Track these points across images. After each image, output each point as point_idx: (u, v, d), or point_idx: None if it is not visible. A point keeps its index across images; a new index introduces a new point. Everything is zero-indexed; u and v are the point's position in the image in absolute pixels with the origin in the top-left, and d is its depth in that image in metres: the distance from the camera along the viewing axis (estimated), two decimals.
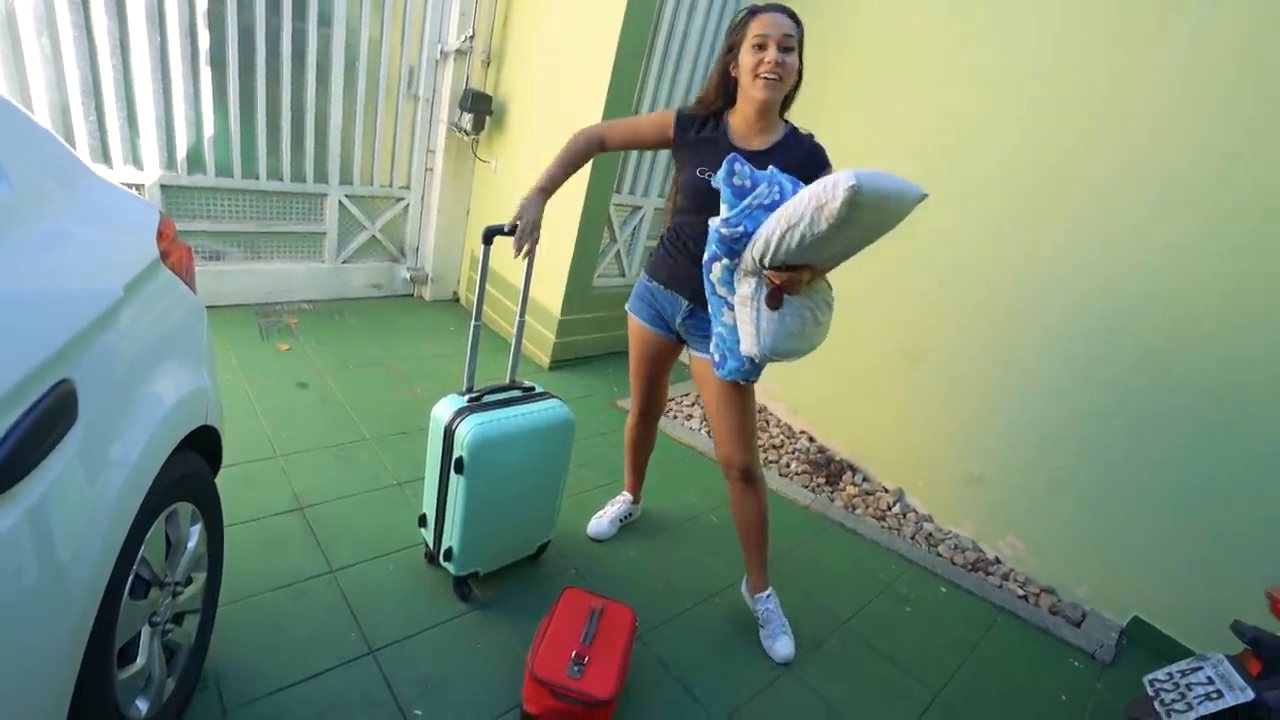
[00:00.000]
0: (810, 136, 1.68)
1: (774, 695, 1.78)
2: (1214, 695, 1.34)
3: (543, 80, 3.34)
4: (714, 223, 1.48)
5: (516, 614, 1.83)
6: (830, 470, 3.06)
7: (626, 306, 1.94)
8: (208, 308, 1.41)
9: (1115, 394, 2.35)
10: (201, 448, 1.31)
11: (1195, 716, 1.34)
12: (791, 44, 1.53)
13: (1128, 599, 2.38)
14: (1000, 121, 2.57)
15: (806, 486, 2.93)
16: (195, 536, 1.28)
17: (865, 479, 3.05)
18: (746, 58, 1.55)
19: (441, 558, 1.78)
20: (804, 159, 1.62)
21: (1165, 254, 2.21)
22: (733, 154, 1.46)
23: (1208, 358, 2.14)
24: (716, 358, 1.66)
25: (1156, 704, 1.43)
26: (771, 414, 3.48)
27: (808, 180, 1.45)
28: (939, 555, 2.63)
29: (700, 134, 1.67)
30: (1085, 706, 2.01)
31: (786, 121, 1.68)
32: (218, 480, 1.42)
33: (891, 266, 2.85)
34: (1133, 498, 2.33)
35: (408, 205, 3.76)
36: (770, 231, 1.36)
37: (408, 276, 3.90)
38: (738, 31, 1.58)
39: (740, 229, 1.42)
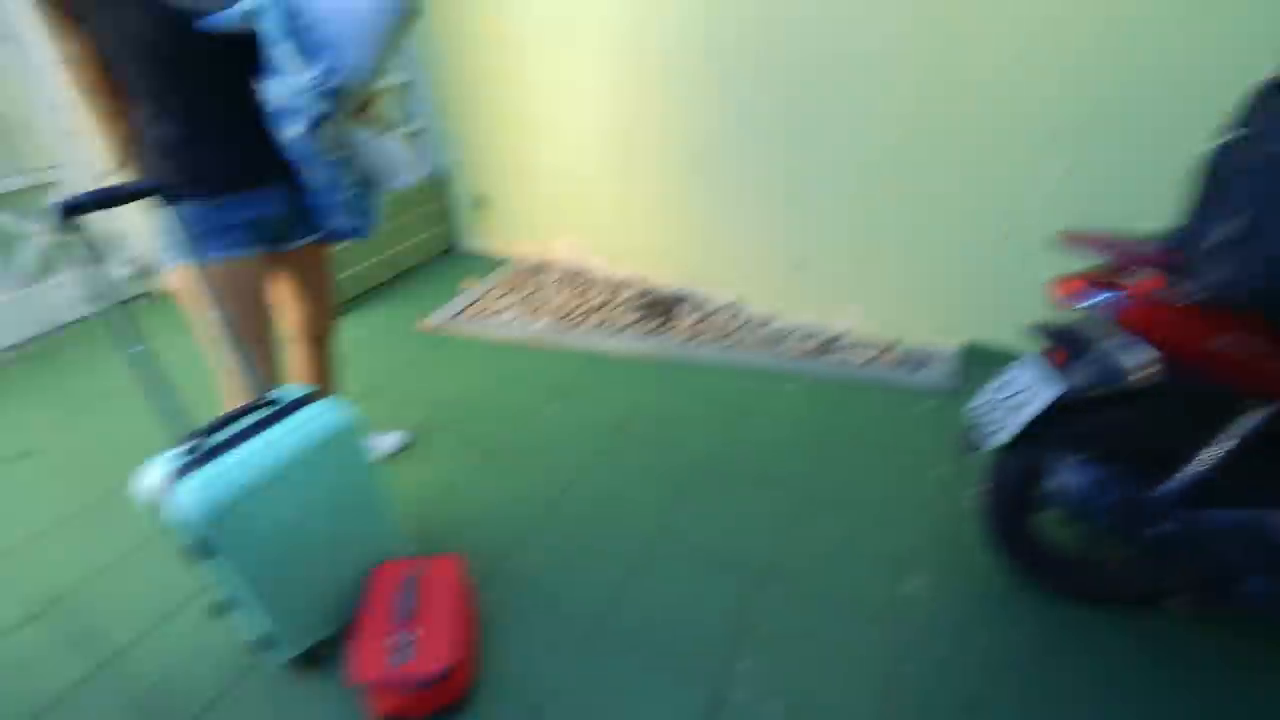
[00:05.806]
0: None
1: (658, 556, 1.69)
2: (1023, 404, 1.32)
3: None
4: (303, 79, 1.14)
5: None
6: (662, 308, 2.91)
7: (197, 257, 1.35)
8: None
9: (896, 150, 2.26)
10: None
11: (1010, 432, 1.32)
12: None
13: (964, 329, 2.45)
14: None
15: (645, 333, 2.76)
16: None
17: (699, 303, 2.93)
18: None
19: (262, 649, 1.41)
20: None
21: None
22: None
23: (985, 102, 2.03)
24: (349, 226, 1.51)
25: (978, 433, 1.41)
26: (592, 275, 3.23)
27: None
28: (786, 349, 2.59)
29: None
30: (943, 435, 2.06)
31: None
32: None
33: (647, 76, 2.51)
34: (941, 237, 2.34)
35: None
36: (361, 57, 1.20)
37: (128, 274, 3.18)
38: None
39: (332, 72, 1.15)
